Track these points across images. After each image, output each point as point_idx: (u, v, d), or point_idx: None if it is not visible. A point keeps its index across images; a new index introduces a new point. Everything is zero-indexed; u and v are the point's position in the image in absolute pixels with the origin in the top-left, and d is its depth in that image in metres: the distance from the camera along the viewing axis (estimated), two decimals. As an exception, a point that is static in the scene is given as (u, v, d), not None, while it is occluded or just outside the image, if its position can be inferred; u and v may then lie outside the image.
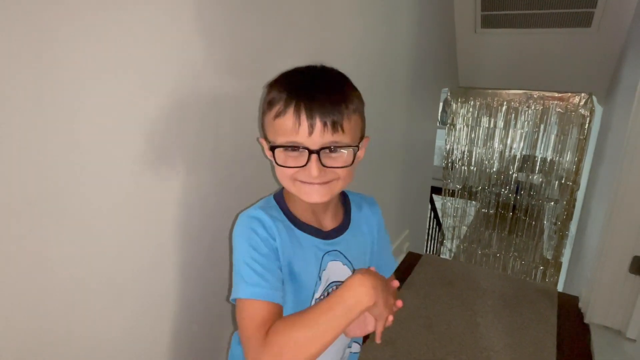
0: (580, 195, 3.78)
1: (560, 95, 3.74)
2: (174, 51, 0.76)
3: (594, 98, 3.51)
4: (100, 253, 0.70)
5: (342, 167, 0.69)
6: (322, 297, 0.78)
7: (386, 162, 2.17)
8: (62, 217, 0.62)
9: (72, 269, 0.66)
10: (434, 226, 4.23)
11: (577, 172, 3.81)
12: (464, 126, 4.35)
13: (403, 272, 2.47)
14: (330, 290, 0.79)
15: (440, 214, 4.57)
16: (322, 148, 0.66)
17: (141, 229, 0.77)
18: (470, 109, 4.23)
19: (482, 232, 4.61)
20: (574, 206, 3.89)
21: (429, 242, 4.08)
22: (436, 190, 4.17)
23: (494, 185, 4.46)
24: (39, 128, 0.56)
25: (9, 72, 0.52)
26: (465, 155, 4.45)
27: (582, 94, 3.61)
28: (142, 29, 0.69)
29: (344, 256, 0.80)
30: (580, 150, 3.77)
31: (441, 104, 4.21)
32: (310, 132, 0.65)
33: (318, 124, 0.64)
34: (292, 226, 0.76)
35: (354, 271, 0.80)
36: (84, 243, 0.67)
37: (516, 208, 4.42)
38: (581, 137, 3.74)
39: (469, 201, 4.70)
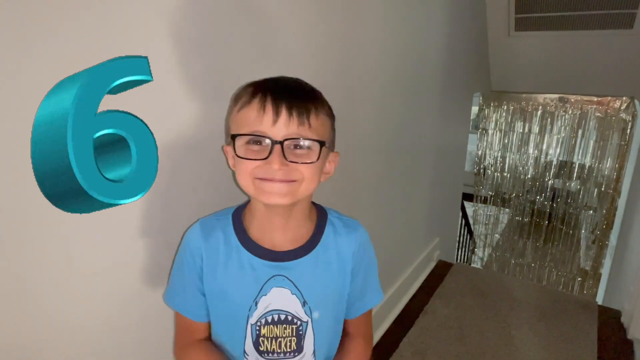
0: (621, 203, 3.61)
1: (599, 99, 3.59)
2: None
3: (637, 102, 3.35)
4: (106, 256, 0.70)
5: (306, 163, 0.64)
6: (258, 323, 0.72)
7: (416, 167, 2.14)
8: (64, 220, 0.61)
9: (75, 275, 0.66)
10: (465, 234, 4.14)
11: (618, 179, 3.65)
12: (496, 131, 4.24)
13: (434, 281, 2.42)
14: (269, 318, 0.72)
15: (471, 221, 4.46)
16: (286, 140, 0.62)
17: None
18: (504, 114, 4.12)
19: (515, 241, 4.46)
20: (614, 215, 3.71)
21: (460, 250, 3.99)
22: (467, 196, 4.07)
23: (529, 192, 4.32)
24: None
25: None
26: (498, 161, 4.33)
27: (624, 98, 3.46)
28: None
29: (293, 284, 0.72)
30: (622, 157, 3.61)
31: (477, 108, 4.12)
32: (275, 121, 0.61)
33: (284, 112, 0.61)
34: (239, 244, 0.72)
35: (304, 303, 0.73)
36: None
37: (552, 216, 4.26)
38: (622, 143, 3.58)
39: (501, 208, 4.57)
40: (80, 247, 0.64)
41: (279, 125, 0.61)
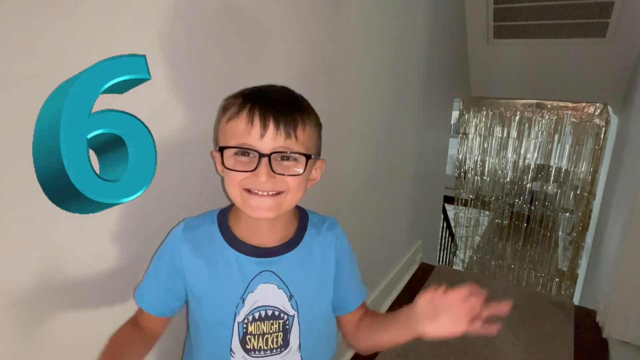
0: (596, 205, 3.72)
1: (574, 105, 3.71)
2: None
3: (609, 108, 3.47)
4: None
5: (292, 175, 0.66)
6: (245, 321, 0.72)
7: (398, 172, 2.17)
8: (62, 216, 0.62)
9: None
10: (447, 236, 4.20)
11: (593, 182, 3.76)
12: (476, 136, 4.33)
13: (416, 283, 2.45)
14: (256, 314, 0.72)
15: (452, 224, 4.53)
16: (274, 153, 0.64)
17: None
18: (483, 119, 4.21)
19: (495, 243, 4.55)
20: (589, 217, 3.82)
21: (442, 253, 4.04)
22: (449, 199, 4.14)
23: (508, 195, 4.42)
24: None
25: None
26: (478, 165, 4.42)
27: (597, 104, 3.57)
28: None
29: (280, 278, 0.73)
30: (596, 161, 3.72)
31: (457, 113, 4.20)
32: (263, 134, 0.63)
33: (271, 126, 0.63)
34: (225, 243, 0.72)
35: (290, 297, 0.74)
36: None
37: (530, 218, 4.36)
38: (596, 147, 3.69)
39: (482, 211, 4.65)
40: (58, 248, 0.64)
41: (266, 138, 0.63)
